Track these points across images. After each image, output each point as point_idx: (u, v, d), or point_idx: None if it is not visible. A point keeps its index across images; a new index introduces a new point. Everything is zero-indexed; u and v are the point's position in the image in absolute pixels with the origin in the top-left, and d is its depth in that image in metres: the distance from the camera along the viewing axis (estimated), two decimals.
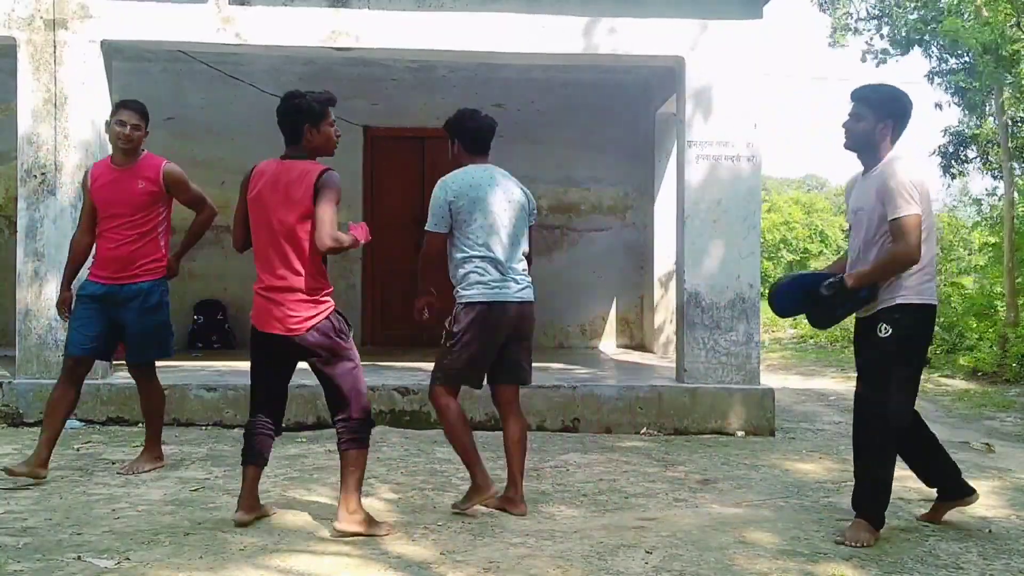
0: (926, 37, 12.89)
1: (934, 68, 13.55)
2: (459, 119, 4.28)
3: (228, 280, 9.10)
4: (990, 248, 14.28)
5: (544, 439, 5.99)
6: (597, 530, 3.94)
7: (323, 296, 3.78)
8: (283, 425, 4.10)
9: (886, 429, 3.82)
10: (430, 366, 4.33)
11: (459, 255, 4.17)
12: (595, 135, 9.56)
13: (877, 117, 3.85)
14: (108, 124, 4.71)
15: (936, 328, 11.99)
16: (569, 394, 6.46)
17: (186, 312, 9.06)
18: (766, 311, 6.29)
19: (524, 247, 4.31)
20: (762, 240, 9.80)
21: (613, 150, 9.62)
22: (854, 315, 4.00)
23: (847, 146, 3.97)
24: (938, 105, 13.53)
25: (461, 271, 4.17)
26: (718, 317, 6.52)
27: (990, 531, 4.05)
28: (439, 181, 4.21)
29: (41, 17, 6.29)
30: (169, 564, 3.39)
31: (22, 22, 6.29)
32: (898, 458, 3.95)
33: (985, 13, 10.91)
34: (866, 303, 3.82)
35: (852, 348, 4.19)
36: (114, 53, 6.56)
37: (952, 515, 4.25)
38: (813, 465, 5.43)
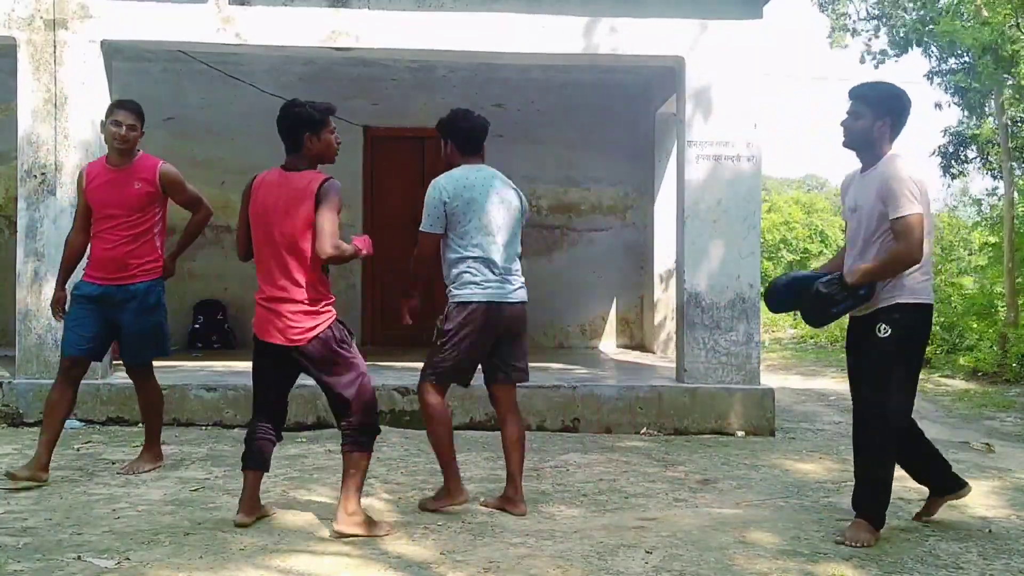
0: (924, 38, 12.88)
1: (934, 68, 13.55)
2: (452, 119, 4.29)
3: (228, 280, 9.10)
4: (990, 248, 14.29)
5: (544, 439, 5.99)
6: (597, 530, 3.94)
7: (324, 307, 3.78)
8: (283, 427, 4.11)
9: (886, 429, 3.82)
10: None
11: (453, 255, 4.18)
12: (595, 135, 9.57)
13: (875, 115, 3.85)
14: (103, 124, 4.69)
15: (936, 328, 12.05)
16: (569, 394, 6.46)
17: (186, 312, 9.07)
18: (766, 311, 6.29)
19: (518, 247, 4.31)
20: (762, 240, 9.80)
21: (613, 150, 9.62)
22: (847, 315, 3.99)
23: (845, 144, 3.96)
24: (938, 105, 13.54)
25: (454, 271, 4.18)
26: (718, 317, 6.52)
27: (990, 531, 4.05)
28: (433, 182, 4.22)
29: (41, 17, 6.29)
30: (169, 564, 3.39)
31: (22, 22, 6.29)
32: None
33: (985, 13, 10.90)
34: (865, 301, 3.81)
35: None
36: (114, 53, 6.56)
37: (952, 515, 4.26)
38: (813, 465, 5.43)
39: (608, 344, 9.72)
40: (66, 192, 6.23)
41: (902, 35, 13.25)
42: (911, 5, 13.69)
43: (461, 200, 4.13)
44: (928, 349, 11.38)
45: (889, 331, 3.76)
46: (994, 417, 7.96)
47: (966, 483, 4.17)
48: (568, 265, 9.61)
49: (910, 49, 13.10)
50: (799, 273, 4.08)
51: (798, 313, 4.19)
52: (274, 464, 4.07)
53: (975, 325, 11.75)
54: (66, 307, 4.76)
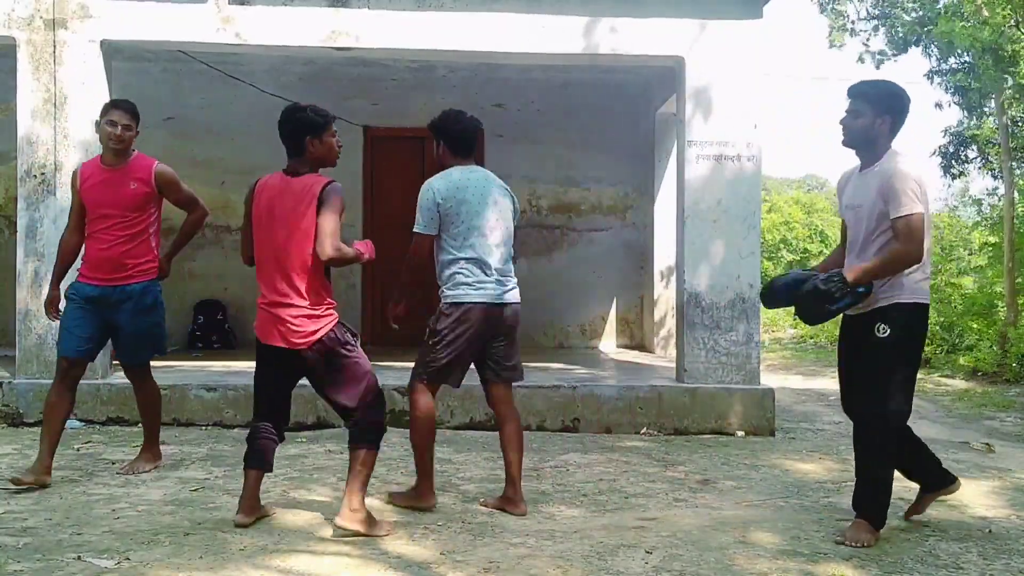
0: (922, 38, 12.89)
1: (934, 67, 13.55)
2: (444, 121, 4.29)
3: (228, 280, 9.10)
4: (990, 248, 14.28)
5: (544, 439, 5.99)
6: (597, 530, 3.94)
7: (326, 310, 3.79)
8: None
9: (886, 429, 3.82)
10: None
11: (445, 256, 4.19)
12: (595, 135, 9.57)
13: (875, 113, 3.84)
14: (98, 124, 4.67)
15: (936, 328, 12.03)
16: (569, 394, 6.46)
17: (186, 312, 9.07)
18: (766, 311, 6.29)
19: (511, 248, 4.31)
20: (762, 240, 9.80)
21: (613, 150, 9.62)
22: (842, 318, 3.99)
23: (845, 143, 3.96)
24: (938, 105, 13.54)
25: (447, 272, 4.19)
26: (718, 317, 6.52)
27: (990, 531, 4.05)
28: (426, 183, 4.22)
29: (41, 17, 6.29)
30: (169, 564, 3.39)
31: (22, 22, 6.29)
32: None
33: (985, 13, 10.90)
34: (863, 299, 3.78)
35: None
36: (114, 53, 6.56)
37: (952, 515, 4.26)
38: (813, 465, 5.42)
39: (608, 344, 9.72)
40: (66, 192, 6.19)
41: (900, 35, 13.27)
42: (910, 5, 13.69)
43: (454, 201, 4.13)
44: (928, 349, 11.45)
45: (889, 331, 3.76)
46: (994, 417, 7.96)
47: (956, 478, 4.18)
48: (568, 265, 9.61)
49: (908, 49, 13.11)
50: (796, 273, 4.06)
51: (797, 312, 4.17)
52: (274, 464, 4.07)
53: (975, 325, 11.75)
54: (60, 307, 4.75)
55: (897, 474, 3.94)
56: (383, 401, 3.95)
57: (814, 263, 20.61)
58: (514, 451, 4.25)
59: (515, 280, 4.31)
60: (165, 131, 8.92)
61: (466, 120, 4.29)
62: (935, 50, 13.14)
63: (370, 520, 3.79)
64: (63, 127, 6.28)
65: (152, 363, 4.91)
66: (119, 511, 4.09)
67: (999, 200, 14.38)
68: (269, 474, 4.08)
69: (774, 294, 4.06)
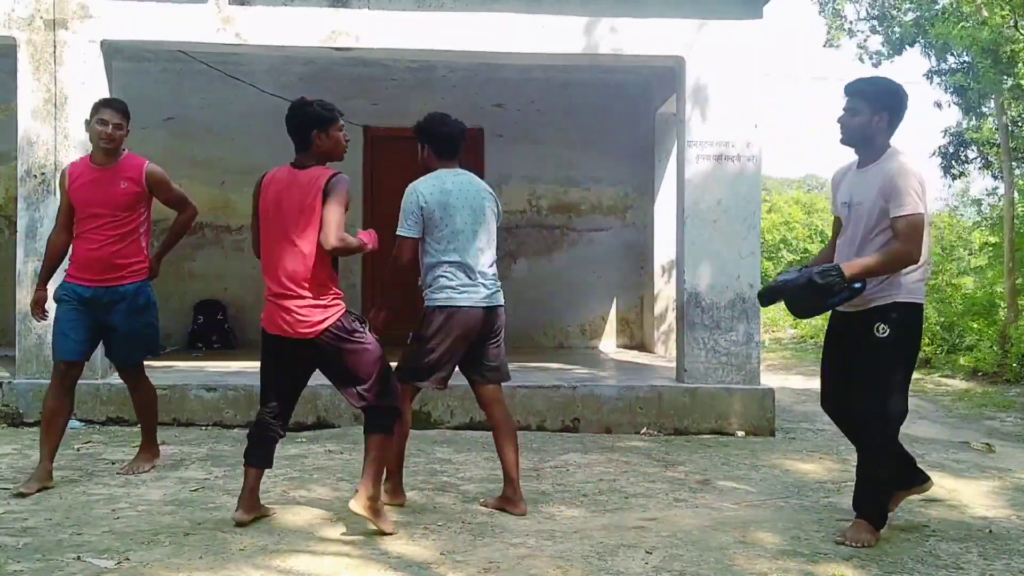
0: (919, 39, 12.90)
1: (933, 67, 13.56)
2: (429, 123, 4.28)
3: (228, 280, 9.10)
4: (990, 248, 14.30)
5: (544, 439, 5.99)
6: (597, 530, 3.94)
7: (333, 300, 3.80)
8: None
9: (886, 429, 3.82)
10: None
11: (429, 260, 4.19)
12: (595, 135, 9.56)
13: (873, 110, 3.83)
14: (88, 123, 4.63)
15: (936, 328, 12.01)
16: (569, 394, 6.46)
17: (186, 312, 9.06)
18: (766, 311, 6.29)
19: (494, 252, 4.31)
20: (762, 240, 9.80)
21: (613, 150, 9.62)
22: (832, 315, 3.97)
23: (843, 141, 3.95)
24: (938, 104, 13.56)
25: (431, 275, 4.20)
26: (718, 317, 6.52)
27: (990, 531, 4.05)
28: (410, 186, 4.22)
29: (41, 17, 6.29)
30: (169, 564, 3.39)
31: (22, 22, 6.29)
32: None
33: (985, 13, 10.91)
34: (858, 295, 3.75)
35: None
36: (114, 53, 6.56)
37: (952, 515, 4.26)
38: (813, 465, 5.42)
39: (608, 344, 9.72)
40: None
41: (897, 36, 13.28)
42: (907, 6, 13.70)
43: (439, 204, 4.13)
44: (928, 349, 11.44)
45: (888, 331, 3.75)
46: (994, 417, 7.96)
47: (928, 478, 4.18)
48: (568, 265, 9.60)
49: (904, 50, 13.12)
50: (790, 272, 4.04)
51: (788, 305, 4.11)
52: (274, 464, 4.08)
53: (975, 325, 11.75)
54: (46, 308, 4.72)
55: None
56: (396, 385, 3.96)
57: None
58: (510, 451, 4.24)
59: (499, 283, 4.32)
60: (165, 131, 8.92)
61: (452, 123, 4.28)
62: (933, 50, 13.16)
63: (379, 509, 3.79)
64: (63, 127, 6.28)
65: (153, 363, 4.90)
66: (119, 511, 4.09)
67: (999, 200, 14.40)
68: (269, 473, 4.09)
69: (770, 292, 4.04)
